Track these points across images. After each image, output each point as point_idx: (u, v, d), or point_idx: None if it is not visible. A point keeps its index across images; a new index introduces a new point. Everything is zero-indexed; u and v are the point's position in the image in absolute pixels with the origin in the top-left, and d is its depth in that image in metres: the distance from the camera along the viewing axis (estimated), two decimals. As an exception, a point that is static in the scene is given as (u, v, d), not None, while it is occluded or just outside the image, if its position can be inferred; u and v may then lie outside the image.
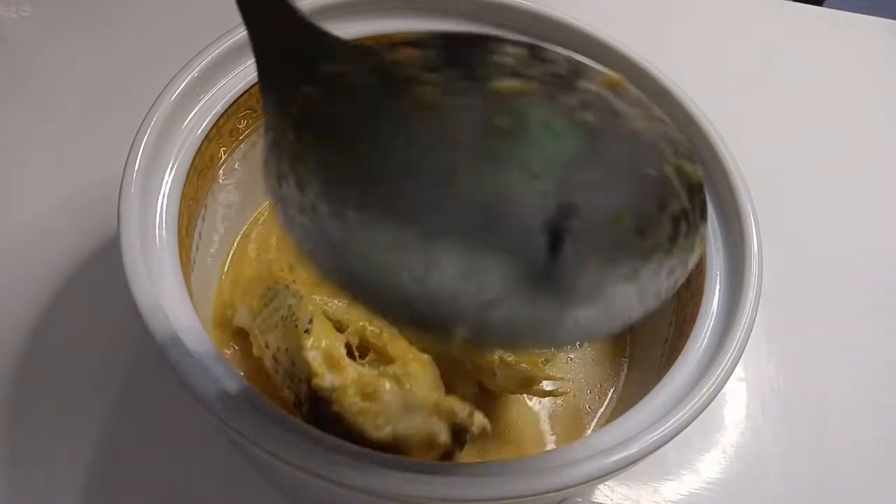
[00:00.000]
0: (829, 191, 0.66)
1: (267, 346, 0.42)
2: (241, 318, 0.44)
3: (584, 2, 0.57)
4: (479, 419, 0.38)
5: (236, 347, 0.45)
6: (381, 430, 0.36)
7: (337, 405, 0.37)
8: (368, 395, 0.38)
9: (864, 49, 0.79)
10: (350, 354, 0.40)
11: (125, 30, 0.66)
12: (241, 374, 0.36)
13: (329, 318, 0.42)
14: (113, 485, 0.43)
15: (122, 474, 0.43)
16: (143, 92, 0.41)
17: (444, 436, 0.36)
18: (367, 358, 0.41)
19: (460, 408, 0.38)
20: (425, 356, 0.42)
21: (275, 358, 0.41)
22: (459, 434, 0.37)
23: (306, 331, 0.40)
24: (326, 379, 0.38)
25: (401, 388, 0.38)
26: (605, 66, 0.47)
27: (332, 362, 0.39)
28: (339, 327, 0.42)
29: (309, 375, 0.38)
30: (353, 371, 0.39)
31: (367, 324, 0.42)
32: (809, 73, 0.75)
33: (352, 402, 0.37)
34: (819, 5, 0.86)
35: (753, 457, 0.49)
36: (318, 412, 0.38)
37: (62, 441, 0.44)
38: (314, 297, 0.43)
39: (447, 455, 0.37)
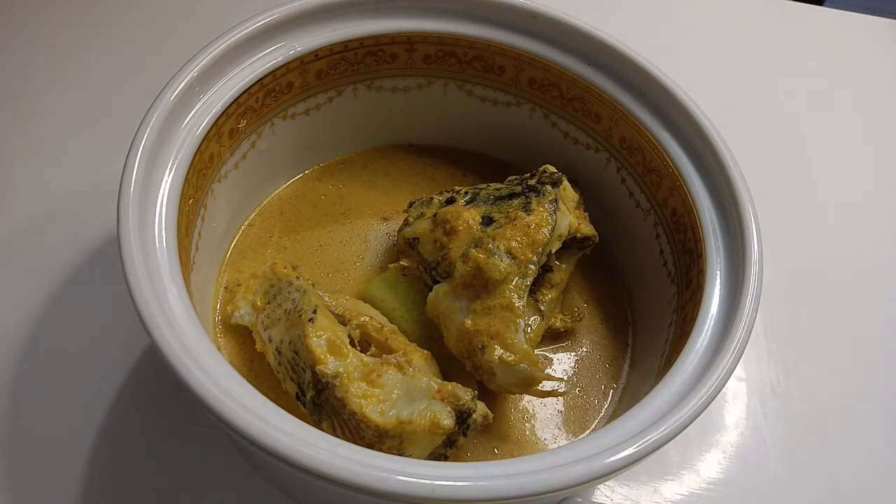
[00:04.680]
0: (829, 190, 0.66)
1: (270, 341, 0.42)
2: (243, 315, 0.44)
3: (585, 1, 0.57)
4: (482, 406, 0.39)
5: (236, 345, 0.45)
6: (386, 414, 0.37)
7: (341, 390, 0.37)
8: (372, 380, 0.38)
9: (864, 49, 0.79)
10: (352, 346, 0.40)
11: (125, 30, 0.66)
12: (241, 373, 0.37)
13: (332, 313, 0.42)
14: (113, 484, 0.43)
15: (121, 473, 0.43)
16: (142, 92, 0.41)
17: (448, 420, 0.36)
18: (370, 352, 0.41)
19: (463, 392, 0.38)
20: (425, 351, 0.42)
21: (278, 351, 0.41)
22: (463, 418, 0.37)
23: (310, 319, 0.40)
24: (330, 365, 0.38)
25: (403, 374, 0.39)
26: (606, 65, 0.48)
27: (335, 349, 0.39)
28: (342, 321, 0.42)
29: (313, 362, 0.38)
30: (356, 358, 0.39)
31: (369, 319, 0.42)
32: (810, 72, 0.75)
33: (356, 387, 0.37)
34: (819, 5, 0.86)
35: (753, 457, 0.49)
36: (322, 399, 0.38)
37: (62, 440, 0.44)
38: (318, 292, 0.43)
39: (451, 441, 0.38)
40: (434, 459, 0.38)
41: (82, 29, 0.65)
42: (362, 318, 0.42)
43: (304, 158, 0.53)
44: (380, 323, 0.43)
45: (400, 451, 0.37)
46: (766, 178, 0.56)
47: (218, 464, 0.44)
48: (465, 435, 0.38)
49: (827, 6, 0.86)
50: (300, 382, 0.40)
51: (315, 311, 0.40)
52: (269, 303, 0.43)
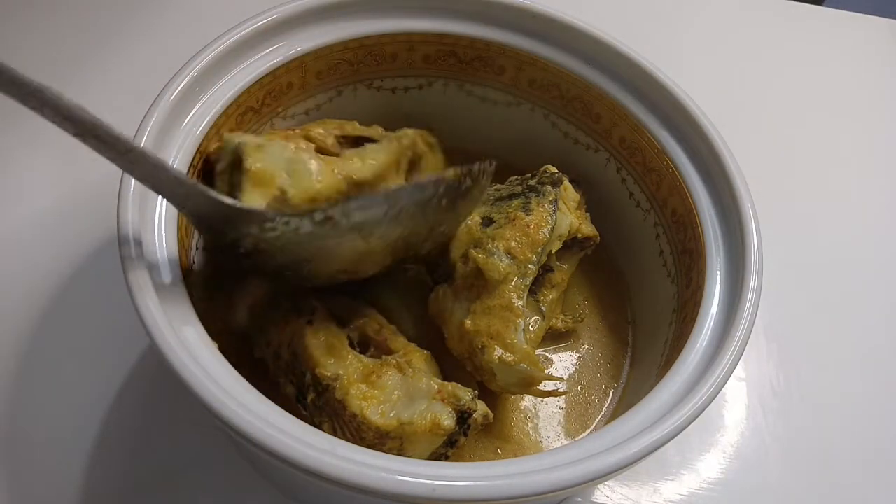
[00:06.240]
0: (829, 190, 0.66)
1: (268, 345, 0.42)
2: (239, 319, 0.43)
3: (585, 1, 0.57)
4: (482, 405, 0.38)
5: (234, 350, 0.45)
6: (386, 416, 0.37)
7: (341, 392, 0.37)
8: (372, 381, 0.38)
9: (864, 49, 0.79)
10: (351, 347, 0.40)
11: (125, 30, 0.66)
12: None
13: (330, 314, 0.42)
14: (113, 483, 0.43)
15: (121, 473, 0.43)
16: (142, 92, 0.41)
17: (449, 420, 0.36)
18: (368, 353, 0.41)
19: (463, 392, 0.38)
20: (425, 351, 0.42)
21: (276, 354, 0.41)
22: (464, 418, 0.37)
23: (309, 322, 0.40)
24: (329, 367, 0.38)
25: (403, 375, 0.38)
26: (606, 65, 0.47)
27: (334, 351, 0.39)
28: (340, 323, 0.42)
29: (312, 365, 0.38)
30: (355, 359, 0.39)
31: (367, 320, 0.42)
32: (809, 72, 0.75)
33: (356, 389, 0.37)
34: (819, 5, 0.86)
35: (753, 457, 0.49)
36: (322, 402, 0.38)
37: (62, 440, 0.44)
38: (314, 294, 0.43)
39: (452, 441, 0.38)
40: (435, 460, 0.38)
41: (84, 29, 0.65)
42: (360, 319, 0.42)
43: (304, 158, 0.53)
44: (378, 324, 0.42)
45: (401, 452, 0.37)
46: (767, 177, 0.56)
47: (218, 464, 0.44)
48: (465, 435, 0.38)
49: (827, 6, 0.86)
50: (300, 385, 0.40)
51: (313, 313, 0.40)
52: (265, 305, 0.43)
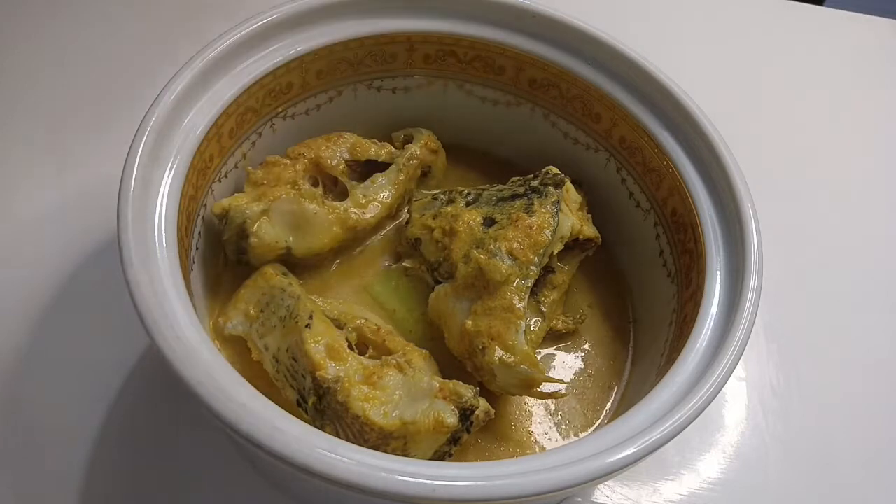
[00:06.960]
0: (829, 190, 0.66)
1: (266, 349, 0.41)
2: (236, 326, 0.43)
3: (585, 1, 0.57)
4: (483, 402, 0.39)
5: (232, 355, 0.44)
6: (389, 416, 0.37)
7: (343, 395, 0.37)
8: (373, 382, 0.38)
9: (865, 49, 0.79)
10: (350, 349, 0.40)
11: (125, 30, 0.66)
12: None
13: (327, 317, 0.42)
14: (112, 483, 0.43)
15: (120, 473, 0.43)
16: (143, 91, 0.41)
17: (452, 418, 0.36)
18: (367, 354, 0.41)
19: (465, 389, 0.38)
20: (424, 350, 0.42)
21: (275, 358, 0.41)
22: (467, 415, 0.37)
23: (307, 325, 0.40)
24: (330, 370, 0.38)
25: (404, 375, 0.38)
26: (606, 65, 0.48)
27: (333, 354, 0.39)
28: (338, 325, 0.42)
29: (313, 368, 0.38)
30: (356, 361, 0.39)
31: (364, 321, 0.42)
32: (809, 72, 0.75)
33: (357, 391, 0.37)
34: (819, 5, 0.86)
35: (753, 457, 0.49)
36: (324, 404, 0.38)
37: (61, 439, 0.44)
38: (311, 297, 0.43)
39: (455, 439, 0.38)
40: (438, 458, 0.38)
41: (85, 29, 0.65)
42: (358, 321, 0.42)
43: (304, 158, 0.53)
44: (376, 325, 0.42)
45: (405, 452, 0.37)
46: (766, 177, 0.56)
47: (218, 464, 0.44)
48: (468, 431, 0.38)
49: (827, 6, 0.86)
50: (300, 389, 0.39)
51: (311, 317, 0.40)
52: (262, 311, 0.42)
